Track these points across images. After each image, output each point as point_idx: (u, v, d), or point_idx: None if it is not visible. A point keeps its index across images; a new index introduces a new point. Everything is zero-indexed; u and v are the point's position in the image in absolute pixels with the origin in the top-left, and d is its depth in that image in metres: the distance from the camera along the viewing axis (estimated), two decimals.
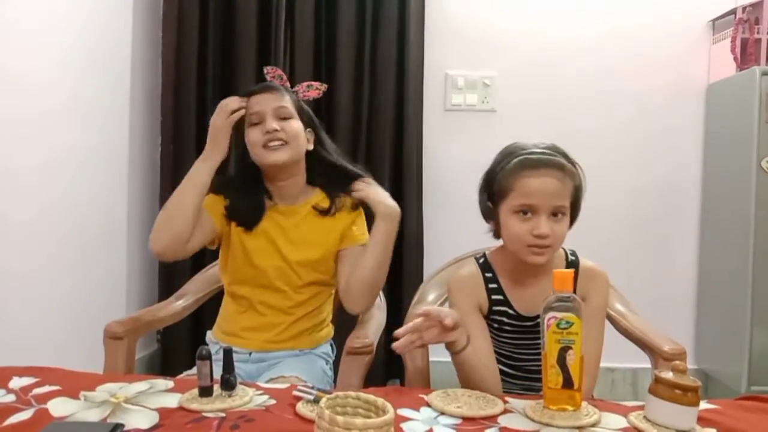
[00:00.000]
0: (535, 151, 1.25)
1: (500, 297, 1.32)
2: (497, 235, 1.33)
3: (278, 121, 1.49)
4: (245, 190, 1.55)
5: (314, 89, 1.64)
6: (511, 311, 1.32)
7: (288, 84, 1.61)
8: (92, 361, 1.45)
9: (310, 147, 1.57)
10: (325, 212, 1.55)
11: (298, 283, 1.54)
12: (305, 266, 1.54)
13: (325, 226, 1.55)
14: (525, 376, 1.36)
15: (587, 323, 1.22)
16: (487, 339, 1.30)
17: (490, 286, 1.33)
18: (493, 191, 1.29)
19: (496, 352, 1.33)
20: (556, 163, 1.23)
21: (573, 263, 1.33)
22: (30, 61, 1.93)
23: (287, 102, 1.52)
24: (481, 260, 1.37)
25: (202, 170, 1.47)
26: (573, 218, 1.29)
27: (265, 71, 1.63)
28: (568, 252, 1.35)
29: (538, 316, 1.25)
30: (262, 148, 1.48)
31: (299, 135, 1.52)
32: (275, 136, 1.47)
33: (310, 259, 1.54)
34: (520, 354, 1.35)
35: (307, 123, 1.57)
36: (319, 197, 1.58)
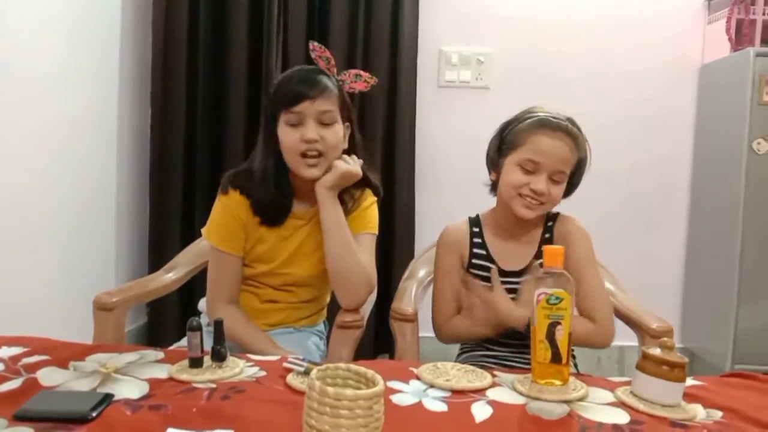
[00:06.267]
0: (555, 116, 1.33)
1: (482, 251, 1.41)
2: (494, 187, 1.42)
3: (319, 127, 1.36)
4: (272, 183, 1.43)
5: (362, 81, 1.46)
6: (491, 265, 1.39)
7: (335, 70, 1.44)
8: (81, 333, 1.44)
9: (345, 146, 1.45)
10: None
11: (306, 285, 1.52)
12: (315, 274, 1.50)
13: None
14: (509, 343, 1.38)
15: (576, 271, 1.29)
16: (457, 299, 1.42)
17: (475, 240, 1.43)
18: (504, 141, 1.37)
19: None
20: (571, 131, 1.32)
21: (551, 218, 1.42)
22: (17, 26, 1.90)
23: (332, 103, 1.38)
24: (473, 217, 1.46)
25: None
26: (571, 189, 1.37)
27: (310, 47, 1.44)
28: (549, 212, 1.42)
29: (518, 272, 1.37)
30: (298, 157, 1.37)
31: (338, 146, 1.41)
32: (314, 147, 1.36)
33: (321, 266, 1.48)
34: None
35: (347, 118, 1.44)
36: None
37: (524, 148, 1.32)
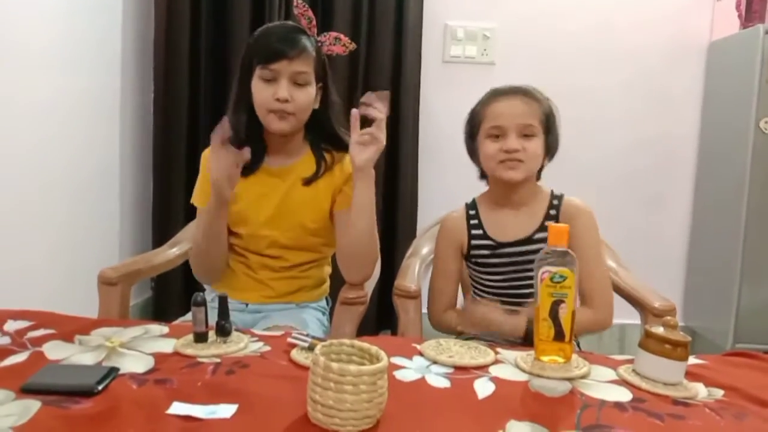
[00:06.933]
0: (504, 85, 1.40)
1: (479, 231, 1.43)
2: (483, 175, 1.46)
3: (292, 86, 1.38)
4: (246, 133, 1.44)
5: (341, 45, 1.47)
6: (489, 242, 1.41)
7: (315, 30, 1.45)
8: (86, 308, 1.45)
9: (317, 106, 1.46)
10: (311, 180, 1.47)
11: (293, 248, 1.51)
12: (298, 236, 1.49)
13: (317, 191, 1.47)
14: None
15: (577, 251, 1.28)
16: (456, 283, 1.46)
17: (472, 222, 1.44)
18: (472, 125, 1.43)
19: (487, 293, 1.42)
20: (521, 89, 1.38)
21: (557, 197, 1.42)
22: (19, 2, 1.88)
23: (308, 65, 1.39)
24: (470, 201, 1.48)
25: (217, 222, 1.42)
26: (552, 149, 1.40)
27: (294, 3, 1.46)
28: (555, 192, 1.43)
29: (514, 242, 1.38)
30: (268, 112, 1.39)
31: (308, 107, 1.43)
32: (284, 107, 1.38)
33: (304, 228, 1.48)
34: (507, 288, 1.40)
35: (321, 79, 1.45)
36: (307, 160, 1.49)
37: (485, 120, 1.37)
